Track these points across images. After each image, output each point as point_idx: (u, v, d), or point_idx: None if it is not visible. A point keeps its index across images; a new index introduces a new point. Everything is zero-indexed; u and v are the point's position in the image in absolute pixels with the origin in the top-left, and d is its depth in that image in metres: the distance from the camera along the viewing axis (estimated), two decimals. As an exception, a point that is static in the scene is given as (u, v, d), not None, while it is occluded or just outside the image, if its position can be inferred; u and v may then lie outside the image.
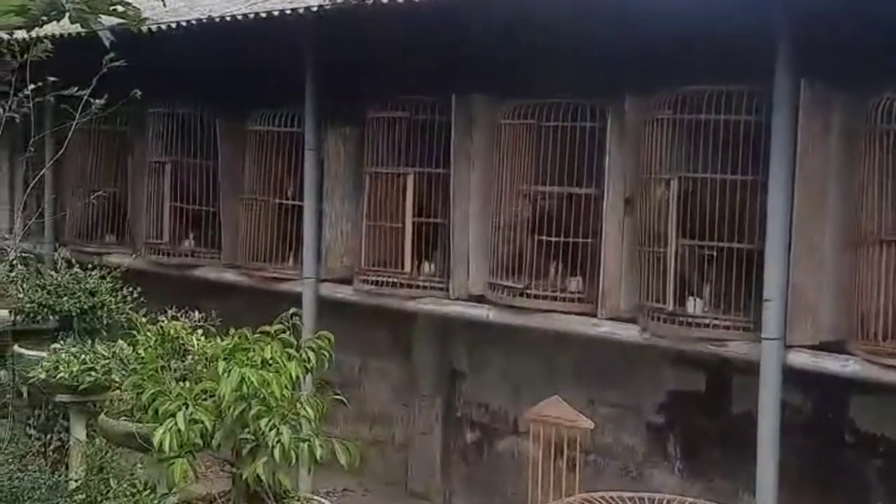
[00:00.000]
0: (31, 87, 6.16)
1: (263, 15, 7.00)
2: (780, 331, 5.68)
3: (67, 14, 4.37)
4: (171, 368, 4.85)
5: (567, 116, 6.72)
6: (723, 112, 5.97)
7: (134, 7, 4.57)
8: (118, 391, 5.31)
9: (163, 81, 8.28)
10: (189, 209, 8.98)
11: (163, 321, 5.14)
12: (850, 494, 6.33)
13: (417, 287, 7.46)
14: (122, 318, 6.23)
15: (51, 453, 6.28)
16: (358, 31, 7.40)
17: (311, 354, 4.61)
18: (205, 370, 4.70)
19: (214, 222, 8.87)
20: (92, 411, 5.87)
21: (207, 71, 8.50)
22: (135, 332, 5.25)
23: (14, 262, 7.09)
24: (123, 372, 5.39)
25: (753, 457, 5.80)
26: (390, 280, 7.52)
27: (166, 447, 4.26)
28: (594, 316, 6.58)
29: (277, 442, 4.23)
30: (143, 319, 5.30)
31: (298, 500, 4.66)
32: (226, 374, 4.32)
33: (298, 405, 4.46)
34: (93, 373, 5.67)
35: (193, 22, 7.54)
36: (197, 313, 5.33)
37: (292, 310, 4.75)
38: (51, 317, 6.31)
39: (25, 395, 6.53)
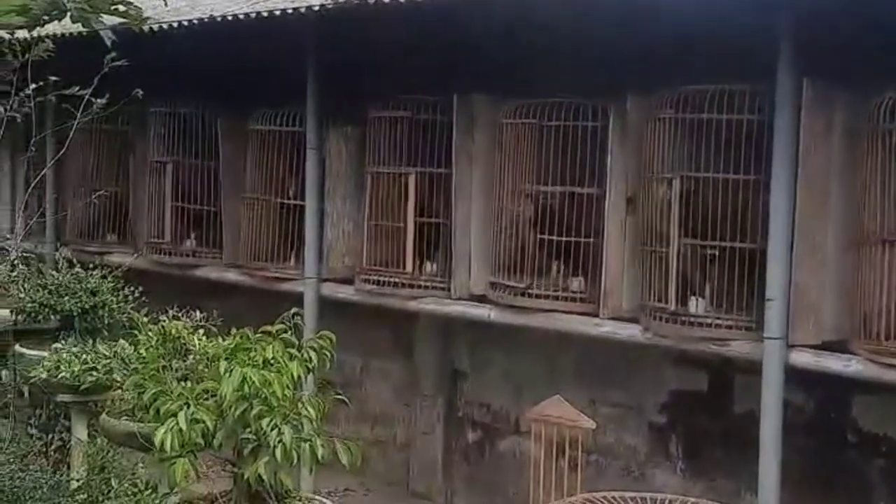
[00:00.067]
0: (33, 86, 6.16)
1: (265, 14, 6.99)
2: (783, 330, 5.67)
3: (69, 13, 4.37)
4: (172, 368, 4.84)
5: (569, 116, 6.71)
6: (725, 111, 5.96)
7: (135, 6, 4.56)
8: (119, 391, 5.31)
9: (164, 81, 8.27)
10: (190, 209, 8.97)
11: (164, 321, 5.14)
12: (852, 494, 6.33)
13: (419, 287, 7.46)
14: (124, 318, 6.23)
15: (52, 453, 6.28)
16: (359, 30, 7.39)
17: (313, 354, 4.61)
18: (206, 370, 4.69)
19: (216, 222, 8.86)
20: (93, 411, 5.87)
21: (209, 70, 8.50)
22: (136, 332, 5.24)
23: (15, 261, 7.08)
24: (125, 371, 5.39)
25: (756, 456, 5.79)
26: (392, 280, 7.51)
27: (168, 447, 4.25)
28: (596, 315, 6.57)
29: (279, 442, 4.22)
30: (145, 319, 5.30)
31: (300, 500, 4.66)
32: (227, 374, 4.32)
33: (300, 405, 4.46)
34: (94, 372, 5.67)
35: (195, 21, 7.54)
36: (198, 313, 5.33)
37: (294, 309, 4.74)
38: (52, 316, 6.31)
39: (27, 394, 6.52)
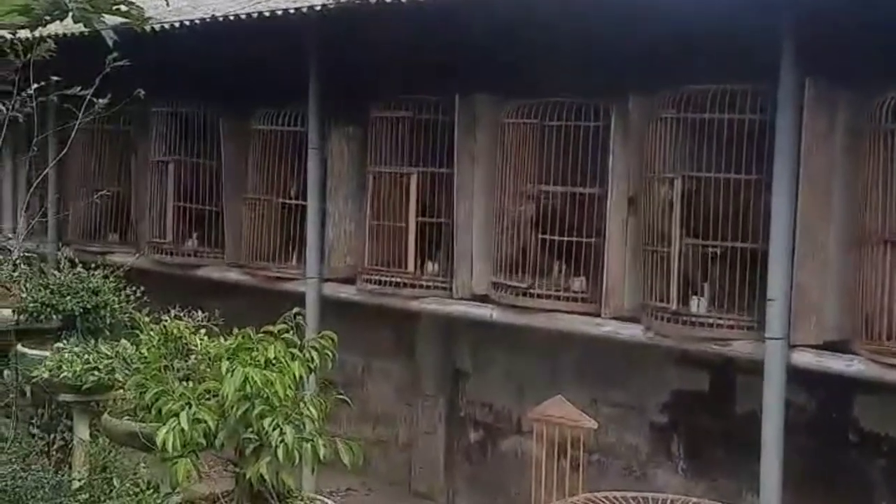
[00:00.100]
0: (35, 86, 6.17)
1: (267, 14, 7.00)
2: (784, 330, 5.67)
3: (71, 13, 4.37)
4: (174, 368, 4.84)
5: (570, 116, 6.72)
6: (727, 111, 5.96)
7: (137, 6, 4.57)
8: (121, 391, 5.30)
9: (166, 81, 8.27)
10: (192, 208, 8.97)
11: (166, 321, 5.14)
12: (854, 494, 6.33)
13: (421, 287, 7.45)
14: (126, 318, 6.22)
15: (54, 453, 6.28)
16: (361, 30, 7.40)
17: (315, 354, 4.61)
18: (208, 370, 4.69)
19: (218, 222, 8.86)
20: (95, 411, 5.87)
21: (211, 70, 8.50)
22: (138, 332, 5.24)
23: (17, 261, 7.09)
24: (127, 371, 5.39)
25: (757, 456, 5.79)
26: (394, 280, 7.51)
27: (169, 447, 4.25)
28: (598, 315, 6.57)
29: (281, 442, 4.22)
30: (147, 319, 5.30)
31: (302, 500, 4.66)
32: (229, 374, 4.32)
33: (302, 405, 4.46)
34: (96, 372, 5.67)
35: (197, 21, 7.54)
36: (200, 313, 5.33)
37: (296, 309, 4.74)
38: (54, 316, 6.31)
39: (29, 394, 6.52)
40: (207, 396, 4.45)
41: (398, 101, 7.63)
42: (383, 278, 7.56)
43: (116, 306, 6.31)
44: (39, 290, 6.34)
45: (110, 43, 4.66)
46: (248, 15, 7.13)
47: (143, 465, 5.36)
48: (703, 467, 7.01)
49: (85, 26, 4.52)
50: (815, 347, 5.68)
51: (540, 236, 6.87)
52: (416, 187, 7.42)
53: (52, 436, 6.35)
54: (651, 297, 6.23)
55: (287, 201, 8.29)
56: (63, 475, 5.49)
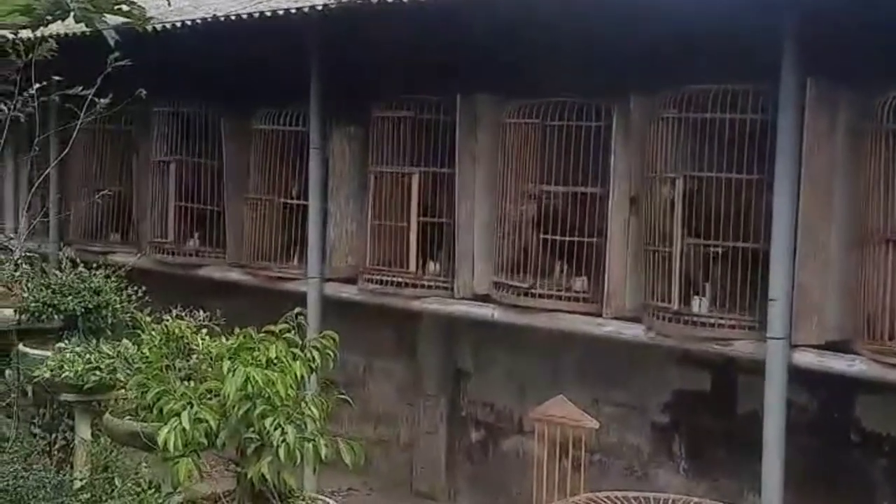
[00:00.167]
0: (36, 86, 6.17)
1: (268, 14, 7.00)
2: (786, 330, 5.67)
3: (72, 13, 4.37)
4: (175, 368, 4.84)
5: (572, 116, 6.71)
6: (728, 111, 5.96)
7: (139, 6, 4.57)
8: (123, 390, 5.30)
9: (168, 81, 8.28)
10: (194, 208, 8.97)
11: (167, 320, 5.14)
12: (855, 494, 6.32)
13: (422, 286, 7.45)
14: (127, 318, 6.23)
15: (56, 452, 6.29)
16: (363, 30, 7.40)
17: (316, 354, 4.61)
18: (209, 369, 4.69)
19: (219, 221, 8.86)
20: (97, 410, 5.87)
21: (212, 70, 8.50)
22: (139, 332, 5.24)
23: (19, 261, 7.09)
24: (128, 371, 5.39)
25: (759, 456, 5.79)
26: (395, 279, 7.51)
27: (171, 446, 4.25)
28: (599, 315, 6.57)
29: (282, 441, 4.22)
30: (148, 319, 5.30)
31: (303, 500, 4.66)
32: (230, 374, 4.32)
33: (303, 405, 4.46)
34: (97, 372, 5.67)
35: (198, 21, 7.54)
36: (202, 312, 5.33)
37: (297, 309, 4.74)
38: (56, 316, 6.31)
39: (30, 394, 6.52)
40: (209, 396, 4.45)
41: (400, 101, 7.63)
42: (385, 278, 7.56)
43: (118, 306, 6.31)
44: (41, 289, 6.34)
45: (112, 43, 4.67)
46: (250, 15, 7.13)
47: (144, 464, 5.36)
48: (704, 467, 7.01)
49: (86, 26, 4.53)
50: (817, 347, 5.68)
51: (541, 236, 6.87)
52: (417, 187, 7.42)
53: (53, 435, 6.36)
54: (653, 297, 6.22)
55: (288, 201, 8.29)
56: (65, 475, 5.49)
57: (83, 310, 6.21)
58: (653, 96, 6.35)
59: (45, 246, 9.64)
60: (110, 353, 5.74)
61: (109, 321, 6.28)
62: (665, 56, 6.41)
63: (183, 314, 5.24)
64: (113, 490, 5.31)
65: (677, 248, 6.05)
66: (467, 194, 7.20)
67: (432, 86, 7.48)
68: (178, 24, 7.51)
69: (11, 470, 5.27)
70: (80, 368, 5.69)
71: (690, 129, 6.15)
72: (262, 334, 4.58)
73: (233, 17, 7.29)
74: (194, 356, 4.91)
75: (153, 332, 5.08)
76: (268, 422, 4.26)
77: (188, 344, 4.97)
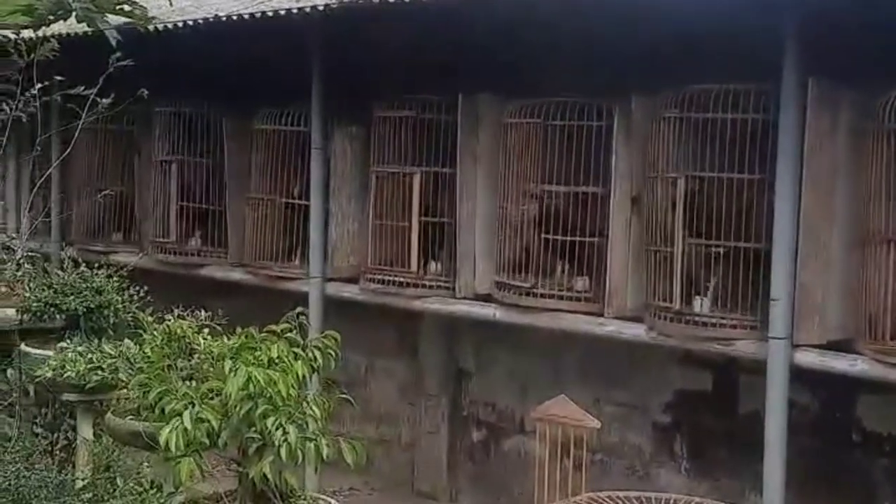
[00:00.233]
0: (38, 86, 6.18)
1: (270, 14, 7.00)
2: (788, 330, 5.67)
3: (74, 13, 4.38)
4: (177, 367, 4.84)
5: (573, 115, 6.72)
6: (730, 111, 5.96)
7: (140, 6, 4.58)
8: (125, 390, 5.30)
9: (169, 80, 8.29)
10: (196, 208, 8.98)
11: (169, 320, 5.14)
12: (857, 494, 6.32)
13: (424, 286, 7.46)
14: (129, 317, 6.23)
15: (58, 452, 6.29)
16: (364, 30, 7.40)
17: (318, 354, 4.61)
18: (211, 369, 4.69)
19: (221, 221, 8.87)
20: (99, 410, 5.87)
21: (214, 70, 8.51)
22: (141, 331, 5.24)
23: (21, 261, 7.09)
24: (130, 371, 5.39)
25: (760, 456, 5.79)
26: (397, 279, 7.51)
27: (173, 446, 4.25)
28: (601, 315, 6.58)
29: (284, 441, 4.22)
30: (150, 318, 5.30)
31: (305, 500, 4.66)
32: (232, 373, 4.32)
33: (305, 404, 4.45)
34: (99, 372, 5.66)
35: (200, 21, 7.55)
36: (203, 312, 5.32)
37: (299, 309, 4.74)
38: (57, 316, 6.31)
39: (32, 393, 6.53)
40: (211, 396, 4.44)
41: (401, 101, 7.63)
42: (386, 278, 7.57)
43: (120, 306, 6.31)
44: (43, 289, 6.33)
45: (113, 43, 4.68)
46: (252, 15, 7.13)
47: (146, 464, 5.36)
48: (706, 467, 7.01)
49: (88, 26, 4.54)
50: (819, 347, 5.68)
51: (543, 236, 6.87)
52: (418, 187, 7.42)
53: (55, 435, 6.36)
54: (654, 297, 6.22)
55: (290, 201, 8.30)
56: (66, 474, 5.49)
57: (85, 309, 6.20)
58: (654, 96, 6.35)
59: (47, 246, 9.66)
60: (112, 352, 5.74)
61: (111, 321, 6.27)
62: (666, 56, 6.41)
63: (185, 314, 5.24)
64: (115, 490, 5.31)
65: (679, 248, 6.05)
66: (469, 194, 7.21)
67: (434, 86, 7.48)
68: (180, 24, 7.51)
69: (13, 469, 5.27)
70: (81, 368, 5.69)
71: (692, 129, 6.15)
72: (263, 334, 4.58)
73: (234, 17, 7.29)
74: (196, 356, 4.91)
75: (155, 332, 5.08)
76: (269, 421, 4.26)
77: (190, 344, 4.96)
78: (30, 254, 7.38)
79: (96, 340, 6.06)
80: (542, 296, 6.79)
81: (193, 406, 4.35)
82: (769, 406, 5.74)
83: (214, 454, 4.55)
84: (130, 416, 5.11)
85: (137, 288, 6.47)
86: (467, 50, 7.36)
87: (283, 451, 4.21)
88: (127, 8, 4.57)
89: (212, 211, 8.93)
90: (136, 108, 7.72)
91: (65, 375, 5.71)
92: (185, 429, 4.27)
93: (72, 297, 6.20)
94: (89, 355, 5.77)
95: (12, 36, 6.04)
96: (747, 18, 5.65)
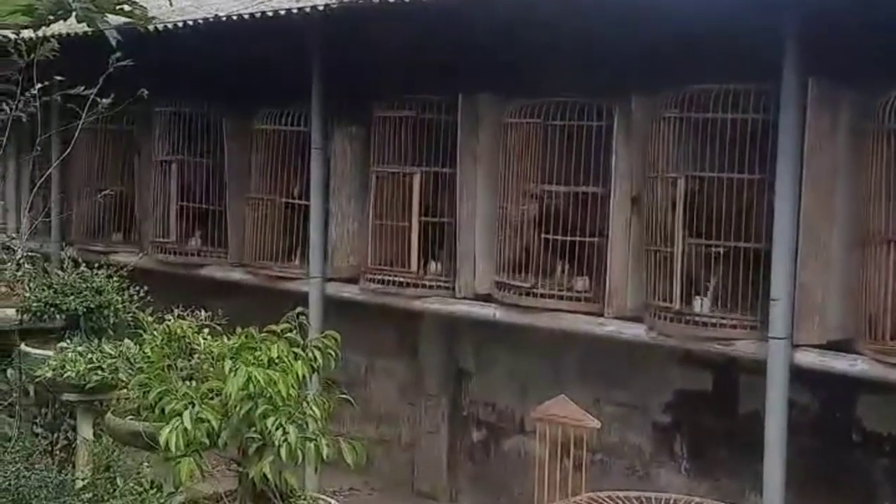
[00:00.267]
0: (38, 86, 6.18)
1: (270, 14, 7.00)
2: (788, 330, 5.67)
3: (74, 13, 4.38)
4: (177, 367, 4.84)
5: (573, 115, 6.72)
6: (730, 111, 5.96)
7: (140, 6, 4.58)
8: (125, 390, 5.30)
9: (169, 80, 8.29)
10: (196, 208, 8.98)
11: (169, 320, 5.14)
12: (857, 494, 6.32)
13: (424, 286, 7.46)
14: (129, 317, 6.23)
15: (58, 452, 6.29)
16: (364, 30, 7.40)
17: (318, 354, 4.61)
18: (211, 369, 4.69)
19: (221, 221, 8.87)
20: (99, 410, 5.87)
21: (214, 70, 8.51)
22: (141, 331, 5.24)
23: (21, 261, 7.10)
24: (130, 371, 5.39)
25: (760, 456, 5.79)
26: (397, 279, 7.51)
27: (173, 446, 4.25)
28: (601, 315, 6.58)
29: (284, 441, 4.22)
30: (150, 318, 5.30)
31: (305, 500, 4.66)
32: (232, 373, 4.32)
33: (305, 404, 4.45)
34: (99, 372, 5.67)
35: (200, 21, 7.55)
36: (203, 312, 5.32)
37: (299, 309, 4.74)
38: (57, 316, 6.31)
39: (32, 393, 6.53)
40: (211, 396, 4.45)
41: (401, 101, 7.63)
42: (386, 278, 7.57)
43: (120, 306, 6.31)
44: (43, 289, 6.34)
45: (113, 42, 4.68)
46: (252, 15, 7.13)
47: (146, 464, 5.36)
48: (706, 467, 7.01)
49: (88, 26, 4.54)
50: (819, 347, 5.68)
51: (543, 236, 6.87)
52: (418, 187, 7.42)
53: (55, 435, 6.36)
54: (654, 297, 6.22)
55: (290, 201, 8.30)
56: (66, 474, 5.49)
57: (85, 309, 6.21)
58: (654, 96, 6.35)
59: (47, 246, 9.66)
60: (112, 352, 5.74)
61: (111, 321, 6.27)
62: (666, 56, 6.41)
63: (185, 314, 5.24)
64: (115, 490, 5.31)
65: (679, 248, 6.05)
66: (469, 194, 7.21)
67: (434, 85, 7.48)
68: (180, 24, 7.51)
69: (13, 469, 5.27)
70: (81, 368, 5.69)
71: (692, 129, 6.15)
72: (263, 334, 4.58)
73: (234, 17, 7.29)
74: (196, 356, 4.91)
75: (155, 332, 5.08)
76: (269, 421, 4.26)
77: (190, 344, 4.96)
78: (30, 254, 7.38)
79: (96, 340, 6.06)
80: (542, 296, 6.79)
81: (193, 406, 4.35)
82: (769, 406, 5.74)
83: (214, 454, 4.55)
84: (130, 416, 5.11)
85: (137, 288, 6.48)
86: (467, 50, 7.36)
87: (283, 451, 4.21)
88: (127, 8, 4.57)
89: (212, 211, 8.93)
90: (136, 108, 7.72)
91: (65, 375, 5.71)
92: (185, 429, 4.27)
93: (72, 297, 6.20)
94: (89, 355, 5.77)
95: (12, 36, 6.04)
96: (747, 18, 5.65)
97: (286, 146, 8.26)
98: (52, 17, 4.48)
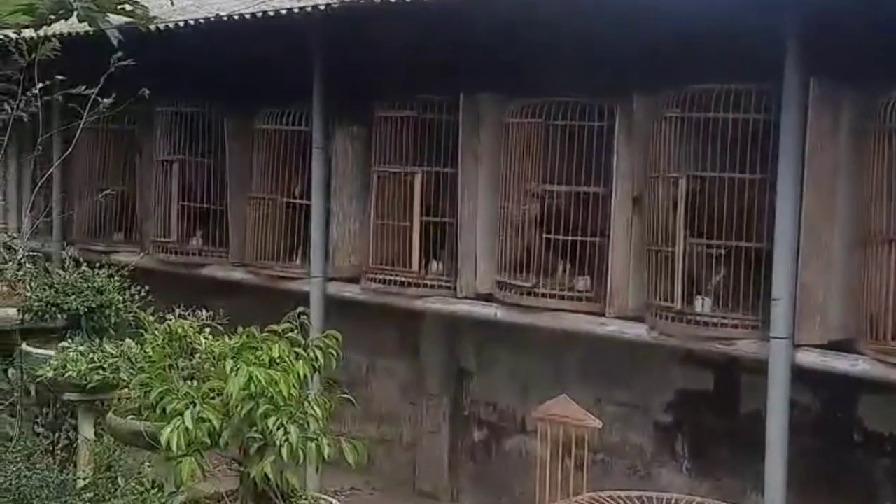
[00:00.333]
0: (39, 85, 6.18)
1: (271, 14, 7.00)
2: (789, 330, 5.67)
3: (75, 13, 4.38)
4: (178, 367, 4.84)
5: (575, 115, 6.72)
6: (731, 110, 5.96)
7: (142, 6, 4.58)
8: (126, 390, 5.30)
9: (171, 80, 8.29)
10: (197, 208, 8.98)
11: (170, 320, 5.14)
12: (858, 494, 6.32)
13: (425, 286, 7.46)
14: (130, 317, 6.23)
15: (59, 452, 6.29)
16: (365, 30, 7.40)
17: (319, 353, 4.60)
18: (212, 369, 4.69)
19: (222, 221, 8.87)
20: (100, 410, 5.87)
21: (215, 70, 8.51)
22: (143, 331, 5.24)
23: (22, 260, 7.10)
24: (131, 370, 5.39)
25: (762, 456, 5.79)
26: (398, 279, 7.51)
27: (174, 446, 4.25)
28: (602, 315, 6.58)
29: (285, 441, 4.22)
30: (151, 318, 5.30)
31: (306, 499, 4.65)
32: (233, 373, 4.32)
33: (306, 404, 4.45)
34: (101, 371, 5.66)
35: (201, 20, 7.55)
36: (205, 312, 5.32)
37: (300, 308, 4.74)
38: (59, 315, 6.31)
39: (33, 393, 6.53)
40: (212, 395, 4.44)
41: (402, 101, 7.63)
42: (387, 277, 7.57)
43: (121, 305, 6.31)
44: (44, 289, 6.34)
45: (115, 42, 4.68)
46: (253, 14, 7.13)
47: (147, 464, 5.36)
48: (707, 467, 7.01)
49: (90, 25, 4.54)
50: (820, 347, 5.68)
51: (544, 236, 6.86)
52: (420, 187, 7.42)
53: (56, 435, 6.36)
54: (655, 297, 6.22)
55: (291, 200, 8.30)
56: (68, 474, 5.49)
57: (86, 309, 6.20)
58: (656, 96, 6.35)
59: (49, 245, 9.67)
60: (113, 352, 5.74)
61: (112, 320, 6.27)
62: (668, 55, 6.41)
63: (186, 313, 5.24)
64: (116, 489, 5.31)
65: (680, 248, 6.05)
66: (470, 194, 7.21)
67: (435, 85, 7.48)
68: (181, 24, 7.51)
69: (15, 469, 5.27)
70: (83, 368, 5.69)
71: (693, 129, 6.15)
72: (265, 334, 4.58)
73: (236, 17, 7.30)
74: (197, 356, 4.91)
75: (156, 332, 5.08)
76: (271, 421, 4.26)
77: (191, 343, 4.96)
78: (31, 253, 7.39)
79: (97, 340, 6.06)
80: (544, 295, 6.79)
81: (195, 406, 4.35)
82: (770, 406, 5.74)
83: (216, 454, 4.55)
84: (132, 416, 5.11)
85: (139, 287, 6.48)
86: (468, 50, 7.36)
87: (284, 451, 4.21)
88: (128, 7, 4.57)
89: (213, 210, 8.93)
90: (138, 108, 7.72)
91: (66, 375, 5.71)
92: (187, 428, 4.27)
93: (73, 297, 6.20)
94: (90, 355, 5.77)
95: (14, 35, 6.04)
96: (748, 18, 5.65)
97: (287, 146, 8.26)
98: (53, 17, 4.48)
